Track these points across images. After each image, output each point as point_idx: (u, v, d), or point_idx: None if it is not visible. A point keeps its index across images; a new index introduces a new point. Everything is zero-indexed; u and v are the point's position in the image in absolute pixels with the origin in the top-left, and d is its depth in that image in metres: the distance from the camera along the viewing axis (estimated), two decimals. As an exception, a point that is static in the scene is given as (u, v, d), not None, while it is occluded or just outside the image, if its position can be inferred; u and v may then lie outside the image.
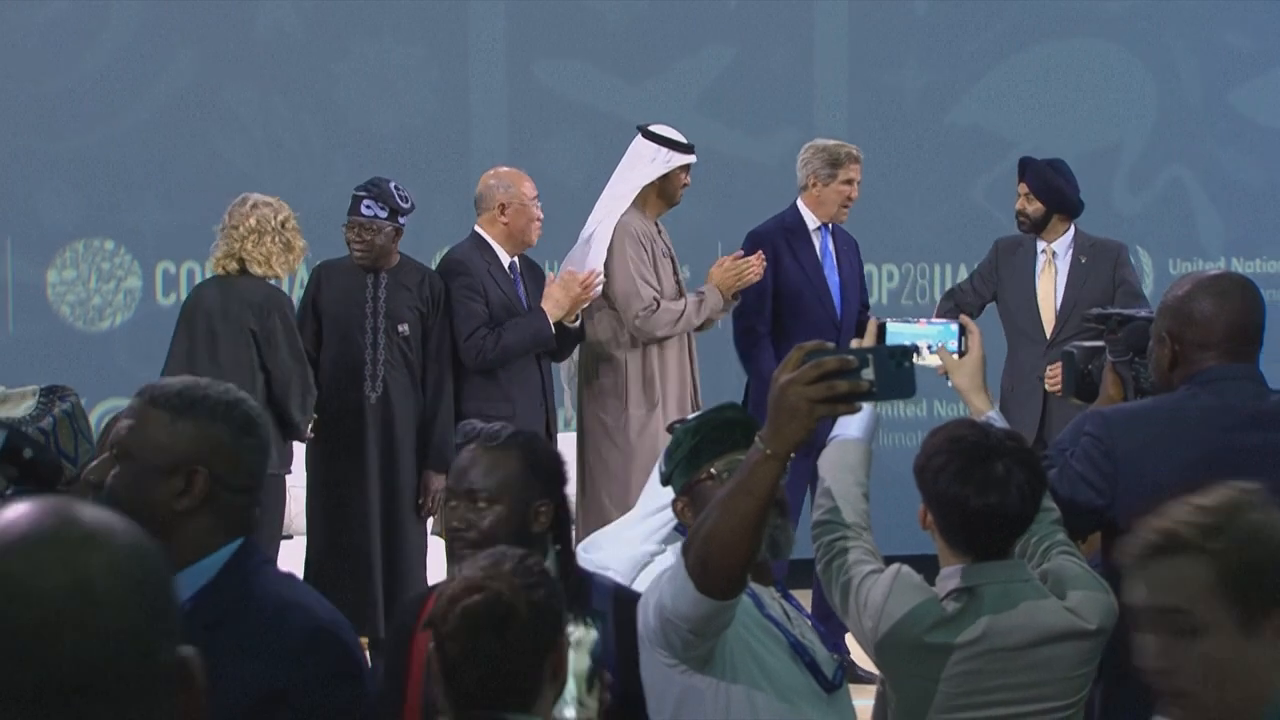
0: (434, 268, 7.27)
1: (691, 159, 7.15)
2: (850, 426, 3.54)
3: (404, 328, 6.95)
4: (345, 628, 2.72)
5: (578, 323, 6.99)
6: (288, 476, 6.83)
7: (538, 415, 6.99)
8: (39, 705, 1.40)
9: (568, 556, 3.53)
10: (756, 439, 2.82)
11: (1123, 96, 10.08)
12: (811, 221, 7.50)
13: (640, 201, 7.11)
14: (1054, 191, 7.49)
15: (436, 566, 6.58)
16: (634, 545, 4.26)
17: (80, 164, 8.79)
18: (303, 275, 7.79)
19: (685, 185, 7.17)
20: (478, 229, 7.12)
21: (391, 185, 6.97)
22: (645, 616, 3.18)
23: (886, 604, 3.35)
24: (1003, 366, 7.47)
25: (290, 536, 7.46)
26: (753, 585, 3.27)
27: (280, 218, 6.76)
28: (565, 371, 7.34)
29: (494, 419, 6.81)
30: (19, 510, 1.45)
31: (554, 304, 6.91)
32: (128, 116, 8.83)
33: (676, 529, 3.89)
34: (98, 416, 7.86)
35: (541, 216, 7.13)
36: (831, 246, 7.55)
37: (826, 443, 3.62)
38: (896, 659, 3.38)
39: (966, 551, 3.38)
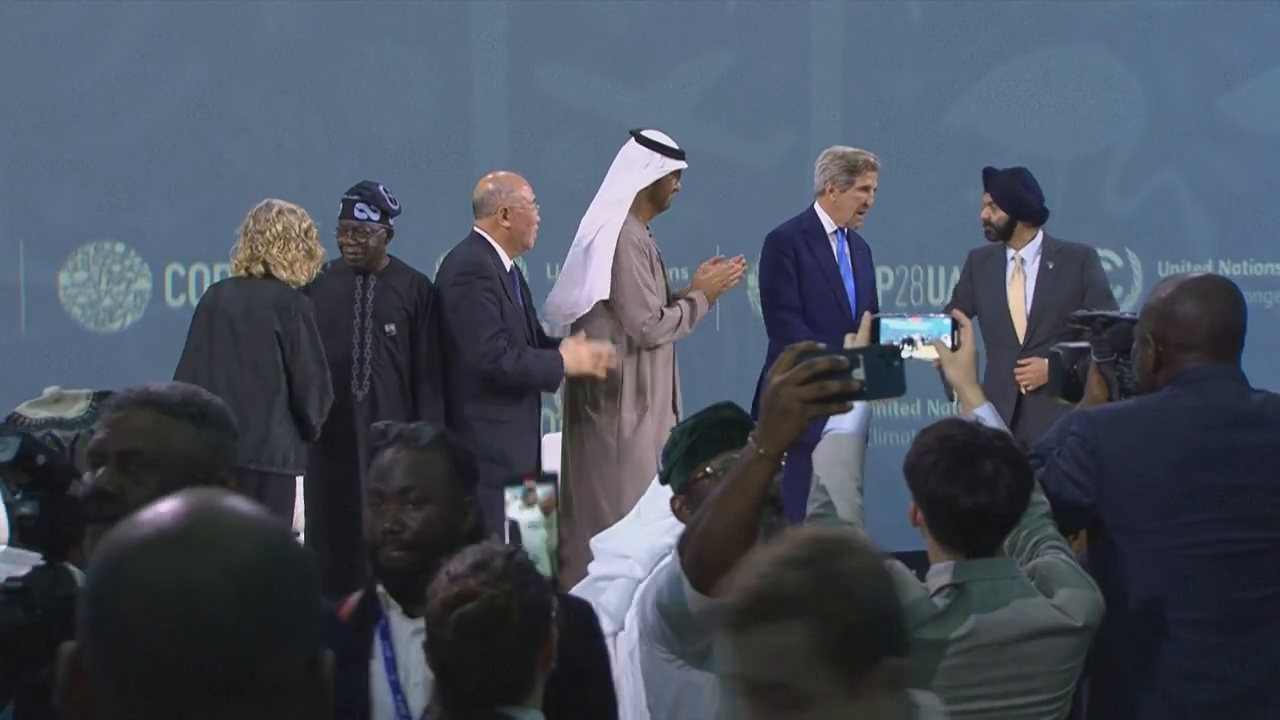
0: (436, 270, 7.33)
1: (683, 165, 7.18)
2: (844, 421, 3.56)
3: (391, 328, 7.04)
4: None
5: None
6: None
7: (532, 417, 7.10)
8: (141, 695, 1.43)
9: None
10: (750, 439, 2.82)
11: (1114, 102, 10.08)
12: (829, 225, 7.62)
13: (633, 206, 7.14)
14: (1015, 200, 7.56)
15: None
16: (654, 537, 4.26)
17: (90, 168, 8.80)
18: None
19: (675, 190, 7.20)
20: (480, 232, 7.17)
21: (380, 188, 7.08)
22: (644, 612, 3.21)
23: (877, 599, 3.42)
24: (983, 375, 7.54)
25: (298, 533, 7.55)
26: (751, 580, 3.34)
27: (304, 226, 6.86)
28: None
29: (494, 421, 6.94)
30: (167, 505, 1.48)
31: (573, 361, 6.95)
32: (136, 121, 8.85)
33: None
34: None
35: (538, 219, 7.21)
36: (847, 250, 7.67)
37: (821, 436, 3.63)
38: (886, 653, 3.44)
39: (956, 548, 3.41)
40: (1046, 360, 7.19)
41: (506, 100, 9.39)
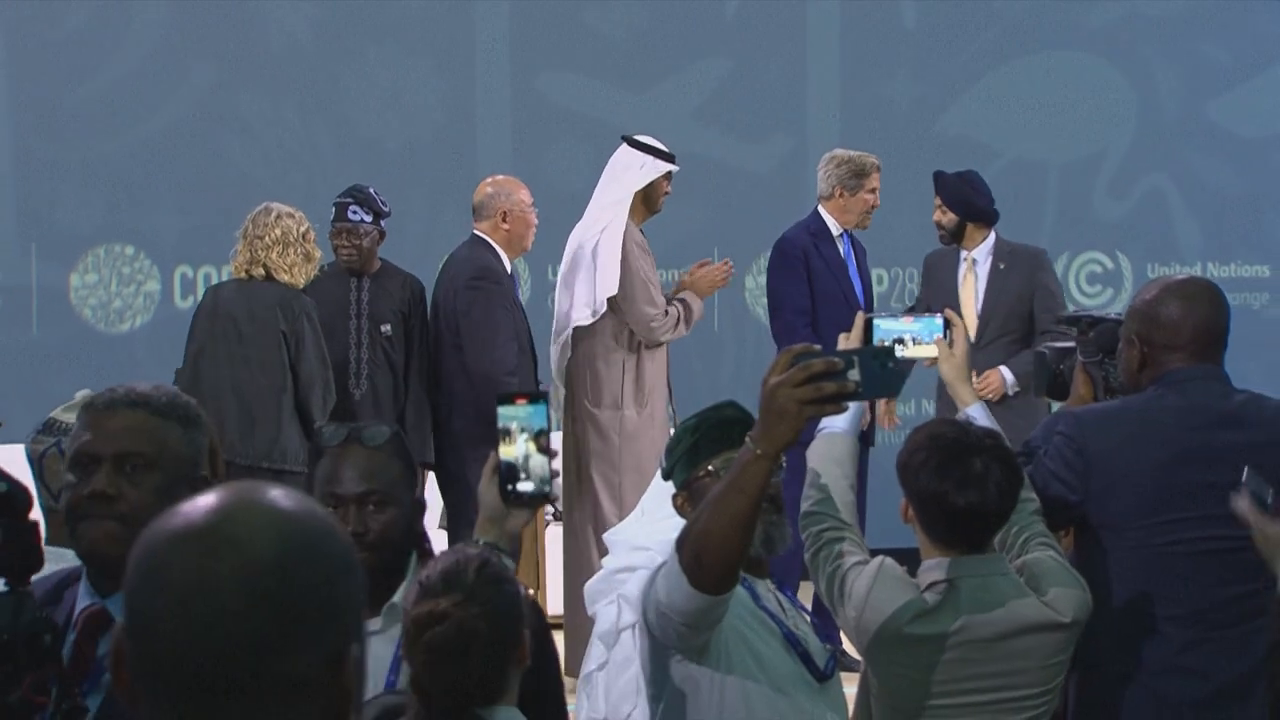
0: (436, 273, 7.39)
1: (674, 167, 7.24)
2: (836, 420, 3.55)
3: (386, 328, 7.12)
4: None
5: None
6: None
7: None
8: (162, 687, 1.45)
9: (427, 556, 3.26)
10: (747, 439, 2.83)
11: (1106, 106, 10.09)
12: (834, 228, 7.67)
13: (629, 210, 7.19)
14: (963, 202, 7.59)
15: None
16: (668, 531, 4.29)
17: (101, 172, 8.86)
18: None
19: (666, 194, 7.26)
20: (480, 235, 7.24)
21: (371, 190, 7.18)
22: (643, 608, 3.22)
23: (869, 595, 3.39)
24: None
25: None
26: (749, 578, 3.33)
27: (301, 230, 6.94)
28: (556, 368, 7.38)
29: (491, 422, 7.00)
30: (205, 498, 1.49)
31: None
32: (145, 125, 8.91)
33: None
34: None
35: (537, 222, 7.28)
36: (852, 252, 7.76)
37: (815, 434, 3.64)
38: (878, 648, 3.42)
39: (946, 545, 3.43)
40: (1001, 375, 7.37)
41: (508, 104, 9.44)
